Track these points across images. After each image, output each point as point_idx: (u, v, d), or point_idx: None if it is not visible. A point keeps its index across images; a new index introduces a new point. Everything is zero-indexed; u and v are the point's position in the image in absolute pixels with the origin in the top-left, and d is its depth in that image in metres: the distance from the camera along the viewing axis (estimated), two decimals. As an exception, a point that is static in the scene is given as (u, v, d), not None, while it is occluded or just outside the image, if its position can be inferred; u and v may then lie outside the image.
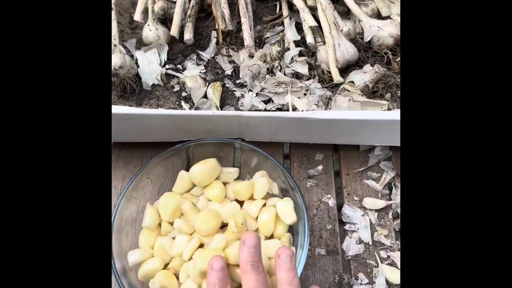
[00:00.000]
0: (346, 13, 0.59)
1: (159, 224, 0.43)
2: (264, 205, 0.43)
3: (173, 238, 0.41)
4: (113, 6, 0.57)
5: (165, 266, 0.41)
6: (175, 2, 0.59)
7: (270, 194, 0.44)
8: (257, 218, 0.42)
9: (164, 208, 0.42)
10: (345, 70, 0.54)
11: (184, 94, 0.54)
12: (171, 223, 0.42)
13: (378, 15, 0.57)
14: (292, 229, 0.43)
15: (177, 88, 0.55)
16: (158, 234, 0.43)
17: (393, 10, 0.57)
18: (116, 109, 0.46)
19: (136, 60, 0.56)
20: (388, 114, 0.45)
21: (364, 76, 0.50)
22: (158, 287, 0.38)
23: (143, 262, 0.40)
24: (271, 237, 0.42)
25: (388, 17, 0.56)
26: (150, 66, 0.56)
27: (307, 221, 0.39)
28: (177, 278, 0.39)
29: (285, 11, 0.59)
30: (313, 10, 0.57)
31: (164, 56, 0.57)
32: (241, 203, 0.44)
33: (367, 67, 0.52)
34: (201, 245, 0.40)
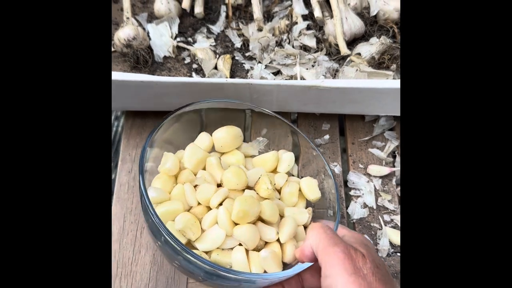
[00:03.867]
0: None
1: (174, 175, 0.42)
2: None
3: (194, 187, 0.41)
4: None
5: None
6: (185, -23, 0.60)
7: (289, 174, 0.45)
8: (279, 190, 0.43)
9: (190, 157, 0.41)
10: (351, 43, 0.56)
11: (195, 66, 0.55)
12: (194, 174, 0.42)
13: (384, -10, 0.59)
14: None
15: (188, 60, 0.56)
16: (174, 182, 0.42)
17: (398, -15, 0.58)
18: (131, 76, 0.48)
19: (148, 32, 0.57)
20: (394, 82, 0.47)
21: (371, 48, 0.52)
22: (181, 227, 0.37)
23: (159, 204, 0.39)
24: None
25: (393, -8, 0.58)
26: (162, 38, 0.57)
27: (339, 207, 0.40)
28: None
29: (293, -14, 0.61)
30: (320, -15, 0.58)
31: (175, 29, 0.58)
32: None
33: (374, 39, 0.53)
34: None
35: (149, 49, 0.56)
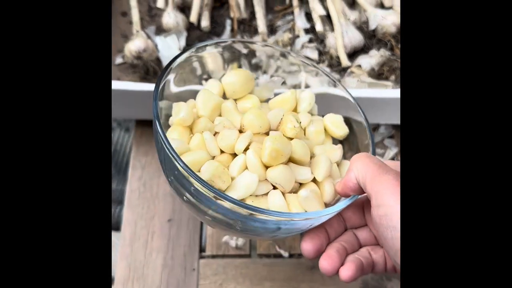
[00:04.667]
0: (351, 4, 0.64)
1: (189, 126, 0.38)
2: None
3: (214, 135, 0.38)
4: (134, -6, 0.61)
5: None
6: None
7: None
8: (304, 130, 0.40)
9: (205, 103, 0.38)
10: (351, 55, 0.59)
11: (205, 76, 0.58)
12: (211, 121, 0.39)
13: (381, 5, 0.62)
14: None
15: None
16: (189, 133, 0.38)
17: (395, 1, 0.62)
18: (141, 86, 0.51)
19: (156, 45, 0.60)
20: (393, 92, 0.50)
21: (370, 60, 0.55)
22: (209, 176, 0.33)
23: (181, 155, 0.35)
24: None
25: (390, 8, 0.61)
26: (170, 50, 0.60)
27: (371, 136, 0.38)
28: None
29: (295, 1, 0.64)
30: (321, 1, 0.61)
31: (183, 42, 0.61)
32: None
33: (373, 52, 0.56)
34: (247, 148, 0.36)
35: (158, 60, 0.59)
